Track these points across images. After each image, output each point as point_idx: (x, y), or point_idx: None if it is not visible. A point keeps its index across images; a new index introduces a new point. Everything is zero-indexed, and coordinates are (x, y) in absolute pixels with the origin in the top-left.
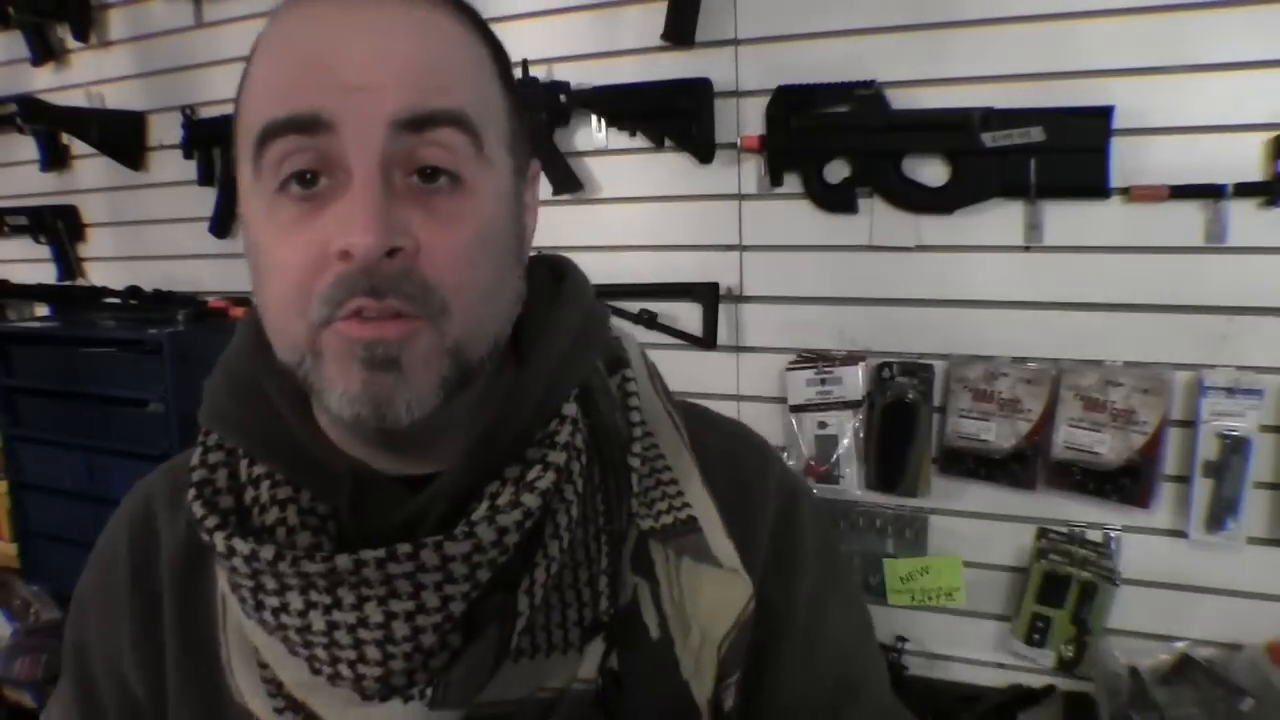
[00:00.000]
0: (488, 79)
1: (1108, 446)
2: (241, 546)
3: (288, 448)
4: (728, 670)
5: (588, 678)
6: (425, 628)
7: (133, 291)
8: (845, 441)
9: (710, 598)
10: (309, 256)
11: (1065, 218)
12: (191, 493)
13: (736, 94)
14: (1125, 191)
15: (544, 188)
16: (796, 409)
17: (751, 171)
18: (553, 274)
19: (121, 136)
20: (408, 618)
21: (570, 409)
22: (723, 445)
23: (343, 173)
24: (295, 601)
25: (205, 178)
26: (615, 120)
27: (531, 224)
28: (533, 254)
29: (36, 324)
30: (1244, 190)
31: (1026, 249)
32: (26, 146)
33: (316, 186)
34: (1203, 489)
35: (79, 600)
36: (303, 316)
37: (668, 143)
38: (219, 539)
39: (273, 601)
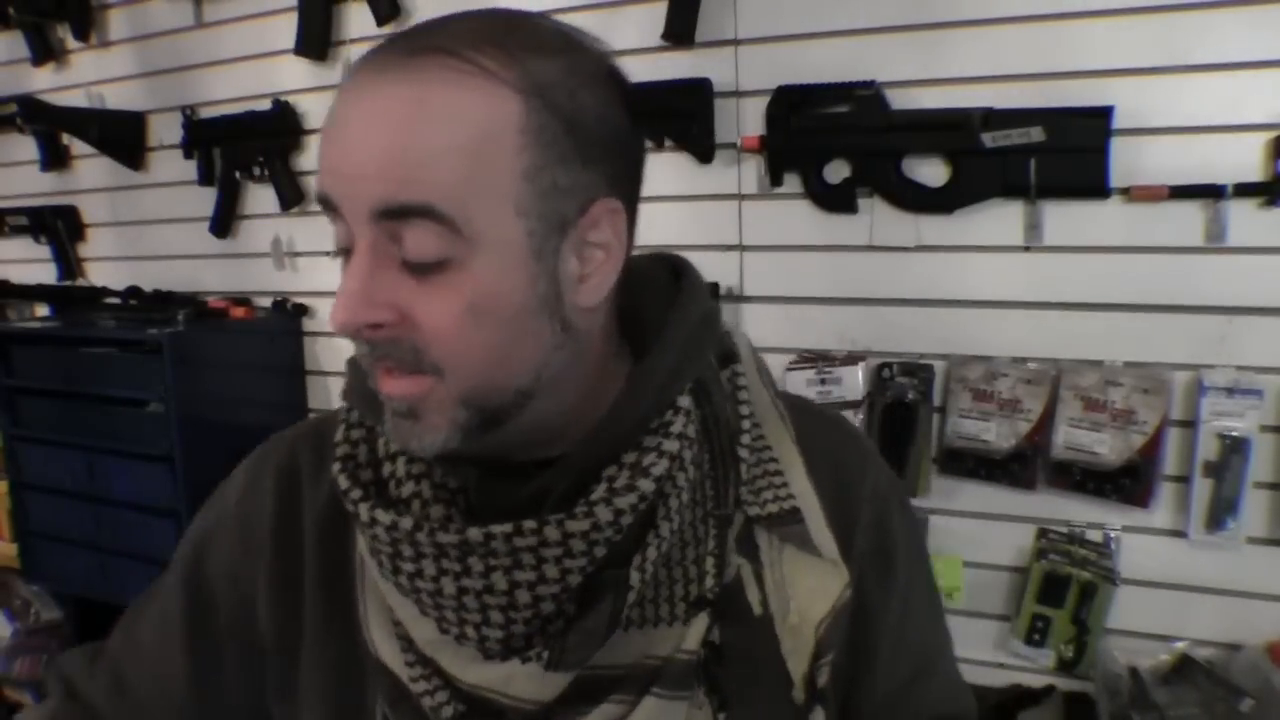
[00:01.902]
0: (495, 150)
1: (1108, 446)
2: (383, 517)
3: None
4: (823, 650)
5: (691, 649)
6: (545, 596)
7: (133, 291)
8: None
9: (809, 584)
10: None
11: (1065, 218)
12: (336, 466)
13: (736, 94)
14: (1125, 191)
15: None
16: None
17: (751, 171)
18: (671, 272)
19: (121, 136)
20: (530, 587)
21: (685, 401)
22: (826, 439)
23: (354, 243)
24: (429, 568)
25: (205, 178)
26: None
27: (604, 261)
28: (648, 253)
29: (36, 324)
30: (1244, 190)
31: (1026, 249)
32: (26, 146)
33: (348, 252)
34: (1202, 489)
35: (212, 525)
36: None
37: (668, 143)
38: (363, 509)
39: (409, 567)
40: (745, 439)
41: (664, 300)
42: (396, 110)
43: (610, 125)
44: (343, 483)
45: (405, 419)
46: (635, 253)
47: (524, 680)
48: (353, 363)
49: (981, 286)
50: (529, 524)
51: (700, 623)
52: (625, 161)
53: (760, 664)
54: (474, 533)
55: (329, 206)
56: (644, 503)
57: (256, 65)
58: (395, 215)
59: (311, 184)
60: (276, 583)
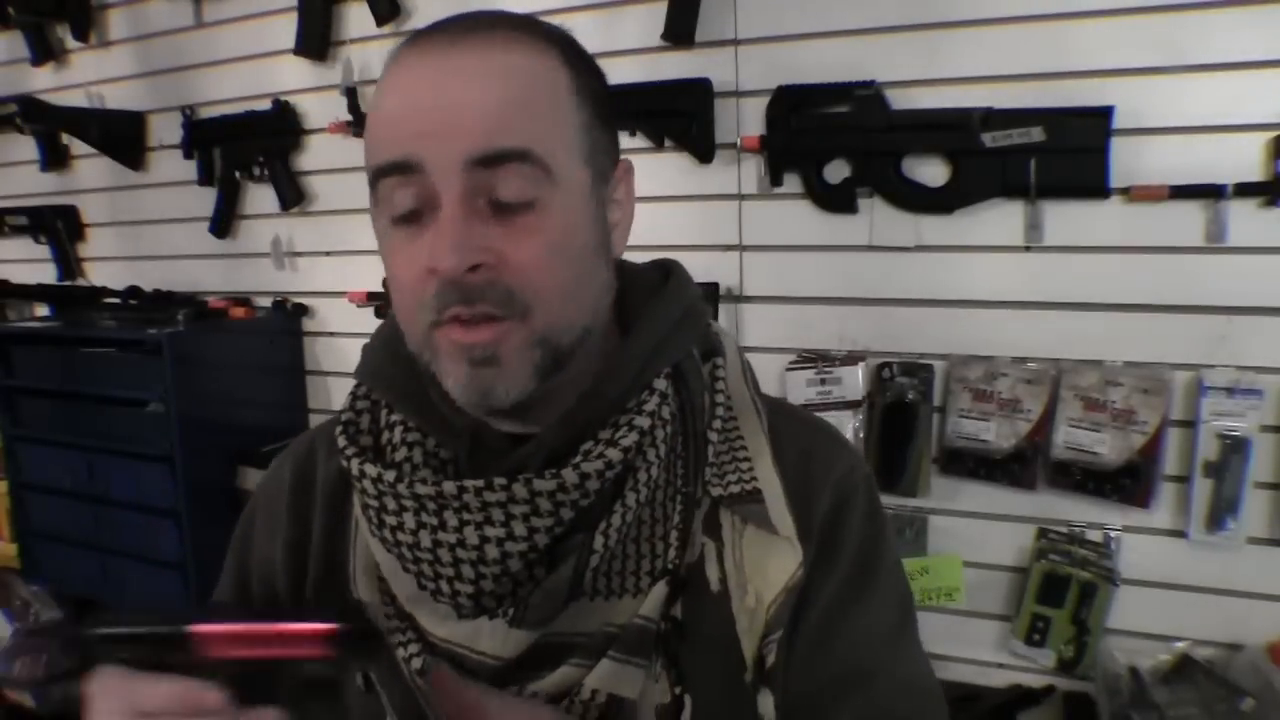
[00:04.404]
0: (560, 104)
1: (1108, 446)
2: (370, 470)
3: (422, 404)
4: (772, 629)
5: (648, 615)
6: (513, 554)
7: (133, 291)
8: None
9: (766, 563)
10: (415, 272)
11: (1065, 218)
12: (338, 429)
13: (736, 94)
14: (1125, 191)
15: None
16: None
17: (751, 171)
18: (662, 272)
19: (121, 136)
20: (498, 543)
21: (661, 384)
22: (801, 435)
23: (435, 201)
24: (409, 521)
25: (205, 178)
26: (615, 120)
27: (622, 216)
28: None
29: (36, 324)
30: (1244, 190)
31: (1026, 249)
32: (26, 146)
33: (418, 215)
34: (1203, 489)
35: (248, 512)
36: (417, 321)
37: (668, 143)
38: (354, 464)
39: (391, 520)
40: (717, 424)
41: (650, 296)
42: (483, 69)
43: (611, 100)
44: (341, 442)
45: (487, 367)
46: (634, 259)
47: (489, 636)
48: (370, 348)
49: (981, 286)
50: (499, 480)
51: (659, 592)
52: (617, 134)
53: (716, 642)
54: (448, 485)
55: (404, 170)
56: (610, 470)
57: (256, 65)
58: (491, 162)
59: (313, 183)
60: (289, 547)
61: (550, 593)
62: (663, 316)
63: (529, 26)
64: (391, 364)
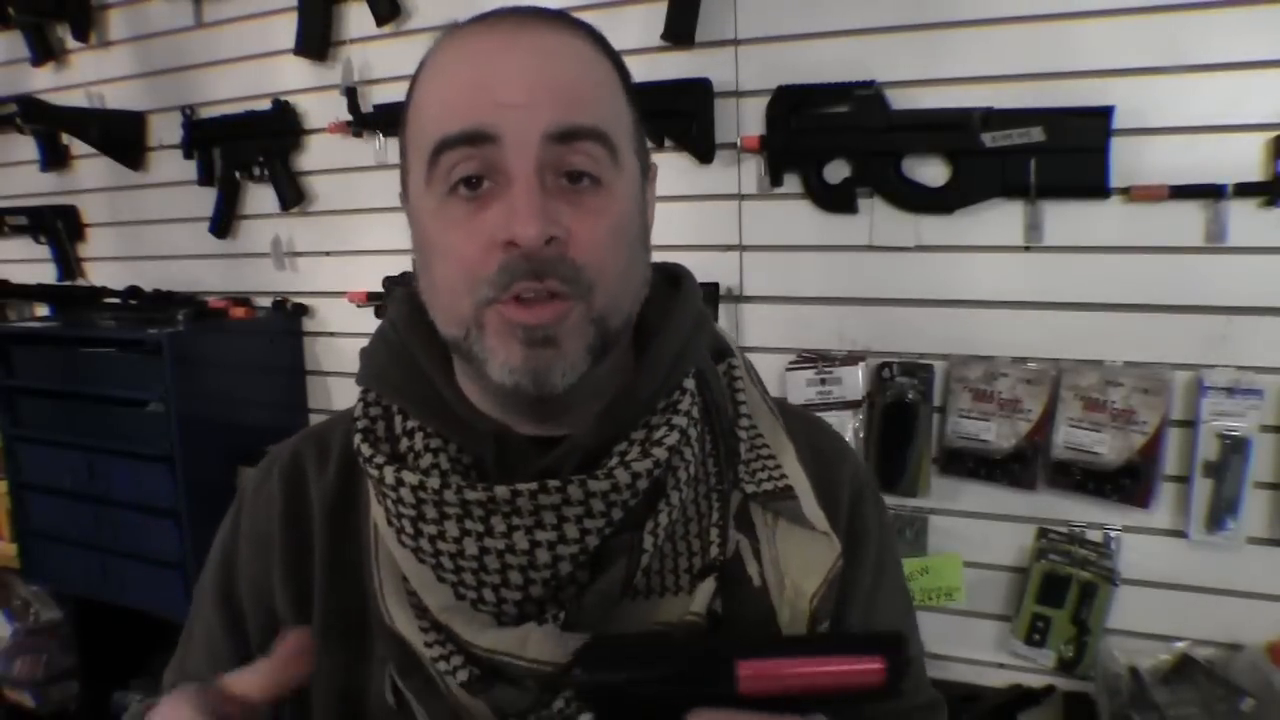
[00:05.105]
0: (618, 97)
1: (1108, 446)
2: (410, 478)
3: (438, 407)
4: (818, 620)
5: (698, 611)
6: (564, 557)
7: (133, 291)
8: None
9: (803, 556)
10: (477, 246)
11: (1065, 218)
12: (358, 437)
13: (736, 94)
14: (1125, 191)
15: None
16: None
17: (751, 171)
18: (669, 277)
19: (121, 136)
20: (550, 547)
21: (689, 384)
22: (808, 435)
23: (503, 176)
24: (452, 529)
25: (205, 178)
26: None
27: (652, 217)
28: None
29: (36, 324)
30: (1244, 190)
31: (1026, 249)
32: (26, 146)
33: (481, 189)
34: (1203, 489)
35: (228, 539)
36: (470, 295)
37: (668, 143)
38: (389, 472)
39: (430, 530)
40: (744, 423)
41: (662, 300)
42: (558, 52)
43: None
44: (365, 450)
45: (545, 347)
46: None
47: (539, 642)
48: (370, 351)
49: (981, 286)
50: (553, 483)
51: (706, 589)
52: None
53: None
54: (501, 490)
55: (475, 140)
56: (658, 469)
57: (256, 65)
58: (567, 137)
59: (313, 183)
60: (288, 568)
61: (603, 594)
62: (684, 317)
63: (581, 22)
64: (394, 365)
